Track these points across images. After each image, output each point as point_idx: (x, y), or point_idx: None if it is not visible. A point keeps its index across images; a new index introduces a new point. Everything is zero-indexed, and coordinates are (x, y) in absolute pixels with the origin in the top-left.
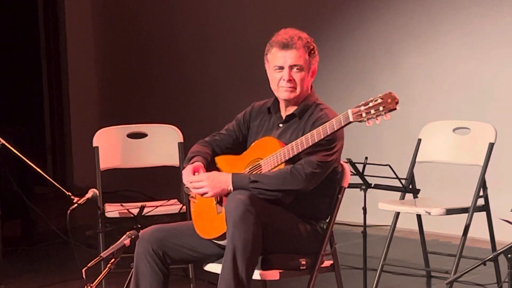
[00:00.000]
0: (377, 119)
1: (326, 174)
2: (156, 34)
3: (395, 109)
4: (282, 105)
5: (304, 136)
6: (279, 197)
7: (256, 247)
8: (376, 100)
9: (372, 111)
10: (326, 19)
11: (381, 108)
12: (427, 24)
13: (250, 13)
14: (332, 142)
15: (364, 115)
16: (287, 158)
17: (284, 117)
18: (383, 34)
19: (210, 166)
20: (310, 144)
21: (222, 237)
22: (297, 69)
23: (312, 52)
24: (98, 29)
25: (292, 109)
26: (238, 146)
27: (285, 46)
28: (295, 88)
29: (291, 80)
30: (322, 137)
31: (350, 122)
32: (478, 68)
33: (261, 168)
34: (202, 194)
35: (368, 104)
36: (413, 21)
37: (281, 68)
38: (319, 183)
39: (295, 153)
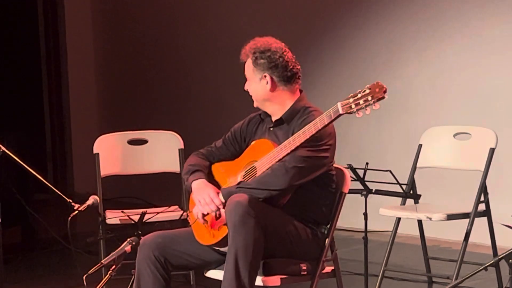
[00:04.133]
0: (366, 110)
1: (314, 170)
2: (157, 40)
3: (383, 97)
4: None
5: (296, 133)
6: (268, 196)
7: (257, 250)
8: (364, 91)
9: (361, 102)
10: (325, 26)
11: (369, 98)
12: (427, 30)
13: (251, 19)
14: (320, 139)
15: (353, 106)
16: (281, 157)
17: (273, 122)
18: (383, 40)
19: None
20: (303, 140)
21: (221, 243)
22: (246, 79)
23: (256, 61)
24: (98, 35)
25: (280, 114)
26: (234, 157)
27: (241, 59)
28: (252, 96)
29: (246, 90)
30: (313, 132)
31: (340, 115)
32: (478, 74)
33: (256, 170)
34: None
35: (356, 95)
36: (413, 27)
37: None
38: (308, 179)
39: (288, 151)
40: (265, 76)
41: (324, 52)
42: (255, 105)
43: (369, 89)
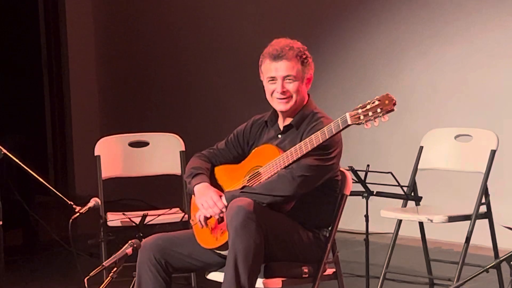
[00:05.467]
0: (375, 121)
1: (320, 179)
2: (158, 42)
3: (392, 110)
4: (280, 116)
5: (303, 141)
6: (272, 202)
7: (257, 255)
8: (373, 102)
9: (370, 113)
10: (327, 28)
11: (378, 110)
12: (428, 32)
13: (252, 21)
14: (328, 147)
15: (362, 117)
16: (286, 164)
17: (282, 128)
18: (385, 42)
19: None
20: (309, 149)
21: (223, 247)
22: (289, 79)
23: (305, 61)
24: (100, 37)
25: (289, 120)
26: (236, 160)
27: (276, 57)
28: (291, 98)
29: (284, 91)
30: (321, 141)
31: (349, 125)
32: (479, 75)
33: (260, 176)
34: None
35: (365, 106)
36: (414, 29)
37: (274, 79)
38: (313, 188)
39: (294, 159)
40: (310, 75)
41: (326, 54)
42: (287, 108)
43: (379, 100)
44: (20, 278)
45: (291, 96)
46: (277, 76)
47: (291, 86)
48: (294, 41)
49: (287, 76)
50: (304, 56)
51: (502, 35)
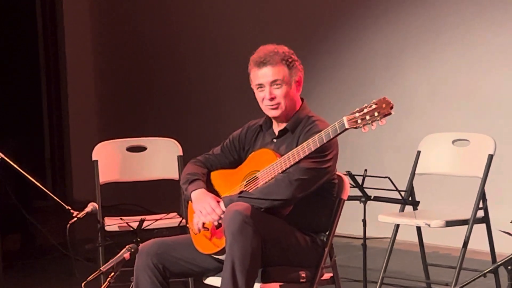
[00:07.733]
0: (372, 125)
1: (317, 181)
2: (157, 47)
3: (390, 113)
4: (274, 121)
5: (300, 145)
6: (270, 206)
7: (255, 259)
8: (370, 106)
9: (367, 117)
10: (326, 32)
11: (376, 114)
12: (427, 36)
13: (252, 26)
14: (324, 150)
15: (359, 121)
16: (284, 169)
17: (277, 133)
18: (384, 46)
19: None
20: (307, 153)
21: (221, 252)
22: (276, 85)
23: (292, 64)
24: (97, 42)
25: (284, 124)
26: (232, 165)
27: (261, 64)
28: (279, 104)
29: (273, 97)
30: (318, 145)
31: (346, 129)
32: (478, 80)
33: (258, 180)
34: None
35: (363, 110)
36: (413, 33)
37: (262, 85)
38: (310, 191)
39: (292, 163)
40: (299, 78)
41: (324, 58)
42: (278, 114)
43: (376, 104)
44: (18, 283)
45: (280, 102)
46: (264, 82)
47: (278, 92)
48: (280, 46)
49: (274, 81)
50: (290, 60)
51: (501, 41)
